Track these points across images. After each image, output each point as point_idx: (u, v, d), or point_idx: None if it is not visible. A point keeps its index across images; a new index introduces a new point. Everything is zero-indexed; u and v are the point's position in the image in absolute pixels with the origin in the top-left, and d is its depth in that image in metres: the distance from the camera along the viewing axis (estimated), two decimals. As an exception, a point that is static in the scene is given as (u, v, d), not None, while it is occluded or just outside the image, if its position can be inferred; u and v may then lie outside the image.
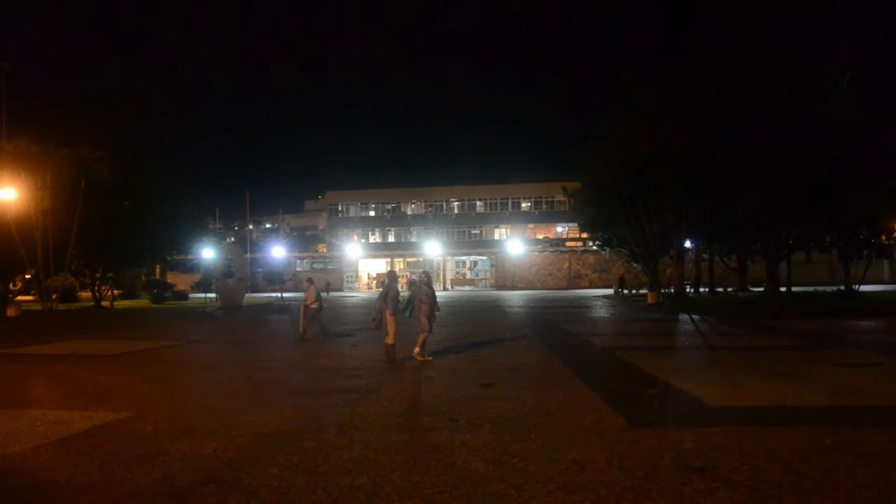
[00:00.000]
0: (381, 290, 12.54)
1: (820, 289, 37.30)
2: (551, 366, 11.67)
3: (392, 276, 12.79)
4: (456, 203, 79.05)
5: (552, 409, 7.74)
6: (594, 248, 51.40)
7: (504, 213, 77.52)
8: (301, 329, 17.46)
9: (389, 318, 11.95)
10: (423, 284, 12.43)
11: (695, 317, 23.19)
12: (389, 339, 12.04)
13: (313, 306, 17.55)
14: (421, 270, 13.58)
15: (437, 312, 12.59)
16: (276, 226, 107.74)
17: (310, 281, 18.59)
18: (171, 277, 62.96)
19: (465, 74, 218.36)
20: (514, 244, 71.21)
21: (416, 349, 12.21)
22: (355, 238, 79.99)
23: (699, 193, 28.32)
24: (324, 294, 54.52)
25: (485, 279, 73.41)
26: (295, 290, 69.31)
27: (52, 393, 9.81)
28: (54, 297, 33.41)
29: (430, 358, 12.22)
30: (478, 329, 19.26)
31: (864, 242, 36.22)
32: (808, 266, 51.51)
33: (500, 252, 71.51)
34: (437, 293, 12.94)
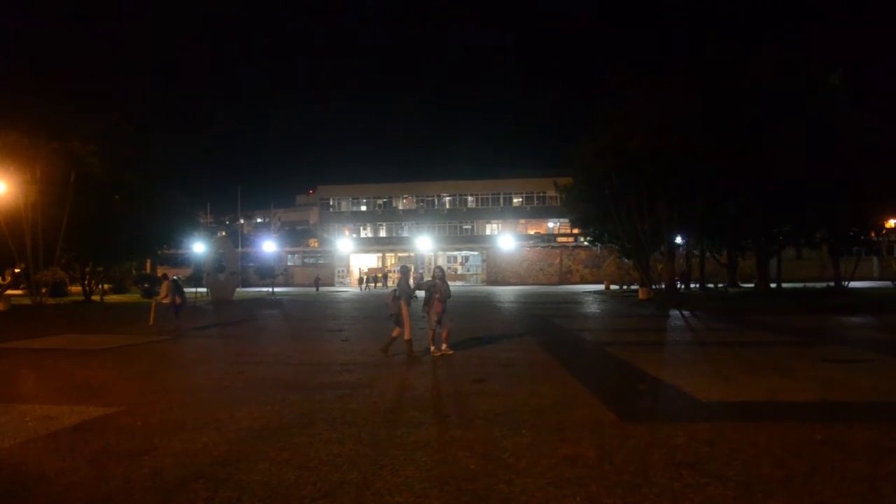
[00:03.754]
0: (392, 286, 12.38)
1: (810, 285, 37.59)
2: (542, 361, 11.68)
3: (405, 270, 12.66)
4: (447, 198, 79.01)
5: (543, 405, 7.74)
6: (585, 243, 51.49)
7: (496, 208, 77.55)
8: (151, 321, 18.86)
9: (405, 312, 11.86)
10: (438, 280, 12.43)
11: (685, 312, 23.28)
12: (406, 335, 11.98)
13: (165, 301, 18.09)
14: (435, 266, 13.63)
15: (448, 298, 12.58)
16: (267, 220, 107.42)
17: (165, 277, 19.49)
18: (161, 272, 62.70)
19: (458, 70, 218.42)
20: (506, 239, 71.28)
21: (432, 347, 12.28)
22: (347, 233, 79.90)
23: (691, 189, 28.38)
24: (313, 290, 54.94)
25: (476, 274, 73.48)
26: (286, 284, 69.33)
27: (42, 388, 9.76)
28: (44, 291, 33.20)
29: (436, 352, 12.22)
30: (469, 324, 19.25)
31: (853, 239, 36.45)
32: (799, 262, 51.90)
33: (491, 247, 71.60)
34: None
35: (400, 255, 76.96)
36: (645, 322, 20.48)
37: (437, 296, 12.20)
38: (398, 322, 12.07)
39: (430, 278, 12.88)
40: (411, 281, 12.36)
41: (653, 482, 4.85)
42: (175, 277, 19.77)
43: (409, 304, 12.01)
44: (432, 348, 12.27)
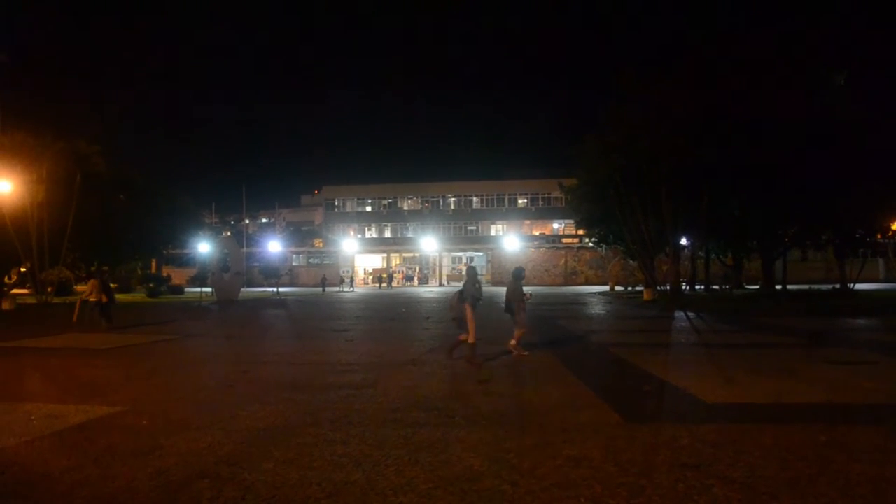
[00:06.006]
0: (461, 286, 11.67)
1: (815, 287, 37.42)
2: (547, 362, 11.66)
3: (472, 270, 11.90)
4: (452, 199, 79.05)
5: (547, 406, 7.73)
6: (590, 244, 51.42)
7: (500, 209, 77.56)
8: (73, 318, 19.39)
9: (470, 315, 11.31)
10: (520, 280, 12.38)
11: (690, 314, 23.20)
12: (471, 338, 11.30)
13: (92, 299, 18.93)
14: (517, 266, 13.48)
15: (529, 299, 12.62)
16: (272, 220, 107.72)
17: (94, 275, 20.34)
18: (166, 271, 62.89)
19: (463, 70, 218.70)
20: (511, 240, 71.20)
21: (513, 342, 12.29)
22: (352, 233, 80.00)
23: (696, 190, 28.29)
24: (318, 290, 55.00)
25: (481, 275, 73.32)
26: (291, 284, 69.39)
27: (47, 387, 9.78)
28: (49, 290, 33.31)
29: (527, 353, 12.19)
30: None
31: (859, 241, 36.30)
32: (804, 264, 51.72)
33: (496, 248, 71.51)
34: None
35: (405, 255, 77.07)
36: (650, 323, 20.44)
37: (527, 295, 12.34)
38: (461, 325, 11.45)
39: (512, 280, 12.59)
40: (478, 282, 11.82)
41: (657, 483, 4.84)
42: (104, 276, 20.32)
43: (474, 308, 11.41)
44: (513, 343, 12.28)
